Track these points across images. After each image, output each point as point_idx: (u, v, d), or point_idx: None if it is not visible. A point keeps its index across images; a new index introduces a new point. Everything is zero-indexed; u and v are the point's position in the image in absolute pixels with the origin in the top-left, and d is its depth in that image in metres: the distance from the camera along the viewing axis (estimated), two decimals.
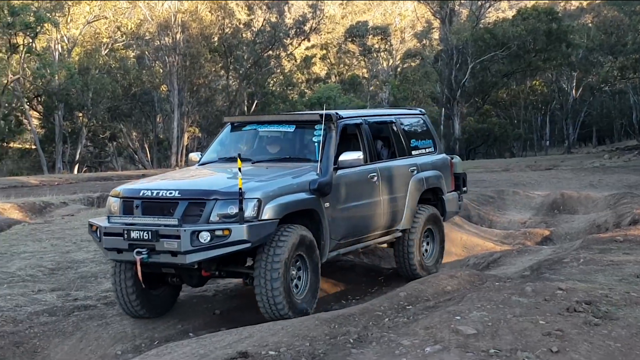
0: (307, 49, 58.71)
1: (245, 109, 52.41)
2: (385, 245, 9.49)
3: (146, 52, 50.54)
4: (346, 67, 60.21)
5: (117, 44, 50.83)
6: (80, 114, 48.85)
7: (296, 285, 7.55)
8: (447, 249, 11.98)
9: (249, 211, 7.02)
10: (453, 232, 12.68)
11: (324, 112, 8.21)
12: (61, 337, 7.69)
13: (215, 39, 50.93)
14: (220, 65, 52.48)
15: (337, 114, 8.41)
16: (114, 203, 7.62)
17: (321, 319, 6.77)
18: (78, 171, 47.43)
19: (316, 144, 8.28)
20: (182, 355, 6.10)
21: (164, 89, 50.73)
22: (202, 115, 52.65)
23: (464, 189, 10.75)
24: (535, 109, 59.27)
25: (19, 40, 43.44)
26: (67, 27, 48.28)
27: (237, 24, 51.58)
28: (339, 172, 8.12)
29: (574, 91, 55.31)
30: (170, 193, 7.26)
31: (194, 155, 9.17)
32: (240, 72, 52.65)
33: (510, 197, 18.69)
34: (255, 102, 52.08)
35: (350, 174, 8.32)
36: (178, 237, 6.87)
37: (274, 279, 7.09)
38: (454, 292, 7.61)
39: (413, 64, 56.01)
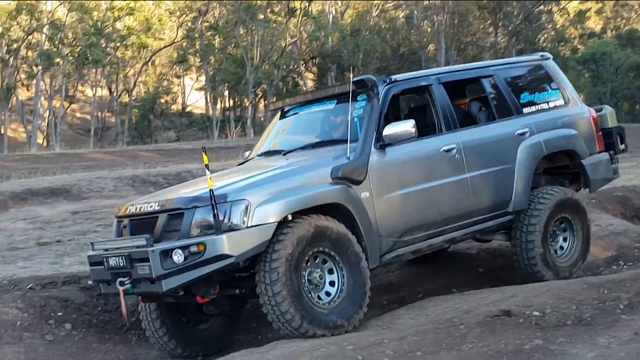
0: (580, 2, 55.61)
1: None
2: (499, 237, 7.64)
3: (415, 12, 50.91)
4: (624, 21, 56.20)
5: (388, 5, 51.76)
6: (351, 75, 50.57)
7: (327, 293, 5.98)
8: None
9: (237, 218, 5.62)
10: None
11: (353, 78, 6.66)
12: None
13: None
14: (489, 22, 51.47)
15: (384, 78, 6.82)
16: (114, 225, 6.59)
17: (589, 283, 6.57)
18: None
19: (357, 119, 6.61)
20: (446, 309, 6.25)
21: (431, 48, 50.89)
22: None
23: (622, 146, 8.20)
24: None
25: (296, 4, 45.89)
26: None
27: None
28: (389, 149, 6.44)
29: None
30: (151, 206, 6.04)
31: (247, 153, 7.81)
32: (509, 28, 51.23)
33: None
34: None
35: (408, 150, 6.59)
36: (148, 259, 5.60)
37: (274, 284, 5.59)
38: None
39: None
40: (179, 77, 57.12)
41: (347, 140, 6.34)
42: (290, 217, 5.89)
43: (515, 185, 7.19)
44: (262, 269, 5.66)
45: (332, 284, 5.99)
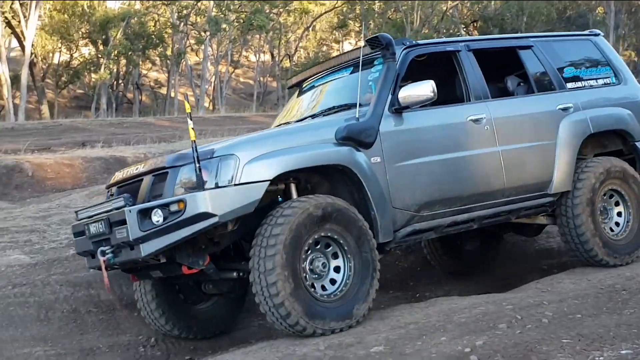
0: None
1: None
2: (543, 219, 7.01)
3: None
4: None
5: None
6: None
7: (332, 280, 5.39)
8: None
9: (224, 175, 5.07)
10: None
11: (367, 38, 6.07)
12: None
13: None
14: None
15: (403, 40, 6.28)
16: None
17: None
18: None
19: (372, 83, 6.11)
20: (608, 275, 6.28)
21: (600, 10, 48.59)
22: (638, 39, 49.47)
23: None
24: None
25: None
26: None
27: None
28: (407, 115, 5.92)
29: None
30: (137, 169, 5.61)
31: None
32: None
33: None
34: None
35: (428, 116, 6.10)
36: (126, 221, 5.10)
37: (268, 272, 5.01)
38: None
39: None
40: (338, 42, 57.76)
41: (361, 104, 5.84)
42: (295, 195, 5.55)
43: (557, 164, 6.58)
44: (257, 255, 5.12)
45: (337, 270, 5.42)
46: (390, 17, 48.58)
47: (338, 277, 5.40)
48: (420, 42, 6.45)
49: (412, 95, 5.79)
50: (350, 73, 6.49)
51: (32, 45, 38.33)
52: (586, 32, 7.73)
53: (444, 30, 47.44)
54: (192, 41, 46.94)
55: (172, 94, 45.77)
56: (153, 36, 43.69)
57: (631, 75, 7.51)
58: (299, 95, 7.39)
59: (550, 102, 6.78)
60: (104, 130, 25.22)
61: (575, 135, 6.73)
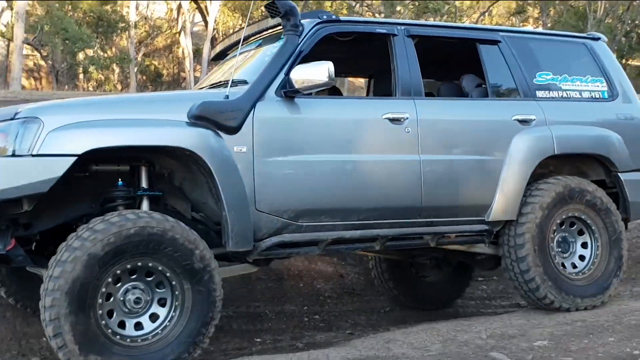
0: None
1: None
2: (483, 247, 5.71)
3: None
4: None
5: None
6: None
7: (153, 317, 4.35)
8: None
9: (25, 142, 4.04)
10: None
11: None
12: None
13: None
14: None
15: (319, 13, 5.18)
16: None
17: None
18: None
19: (268, 59, 4.98)
20: None
21: None
22: None
23: None
24: None
25: None
26: None
27: None
28: (303, 101, 4.83)
29: None
30: None
31: None
32: None
33: None
34: None
35: (330, 107, 5.08)
36: None
37: (49, 322, 4.00)
38: None
39: None
40: None
41: (249, 81, 4.85)
42: (145, 182, 4.64)
43: (500, 187, 5.40)
44: (44, 286, 4.09)
45: (163, 304, 4.38)
46: (571, 5, 46.78)
47: (162, 312, 4.37)
48: (342, 18, 5.30)
49: (304, 76, 4.72)
50: (256, 46, 5.49)
51: (215, 21, 40.04)
52: (583, 34, 6.47)
53: (629, 21, 45.16)
54: None
55: None
56: None
57: (632, 92, 6.24)
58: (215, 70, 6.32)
59: (503, 110, 5.63)
60: None
61: (531, 154, 5.53)
